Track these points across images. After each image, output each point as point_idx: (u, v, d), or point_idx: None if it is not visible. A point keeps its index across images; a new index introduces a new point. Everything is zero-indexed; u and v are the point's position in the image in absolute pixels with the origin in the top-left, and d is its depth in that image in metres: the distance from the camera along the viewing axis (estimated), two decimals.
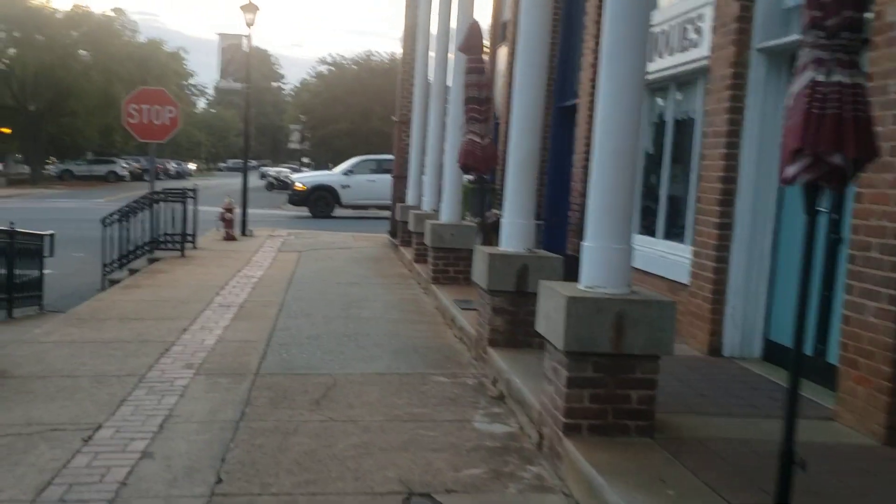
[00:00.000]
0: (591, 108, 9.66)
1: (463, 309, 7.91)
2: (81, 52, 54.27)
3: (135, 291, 9.78)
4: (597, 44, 9.61)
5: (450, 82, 11.01)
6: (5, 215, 27.84)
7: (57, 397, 5.30)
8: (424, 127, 13.83)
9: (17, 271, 9.98)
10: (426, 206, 11.94)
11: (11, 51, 53.23)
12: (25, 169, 56.29)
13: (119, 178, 56.41)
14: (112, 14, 55.04)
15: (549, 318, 4.36)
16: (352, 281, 11.11)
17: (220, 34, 18.42)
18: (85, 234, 12.78)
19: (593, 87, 9.58)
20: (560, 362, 4.28)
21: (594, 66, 9.57)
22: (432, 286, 9.66)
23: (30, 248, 10.46)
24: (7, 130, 56.25)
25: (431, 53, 12.91)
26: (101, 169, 60.62)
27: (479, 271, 6.37)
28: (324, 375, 6.07)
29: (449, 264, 9.69)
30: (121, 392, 5.46)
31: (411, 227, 11.86)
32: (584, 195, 9.55)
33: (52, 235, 11.36)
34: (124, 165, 56.48)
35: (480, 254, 6.38)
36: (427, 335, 7.71)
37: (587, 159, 9.62)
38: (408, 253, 12.84)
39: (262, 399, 5.41)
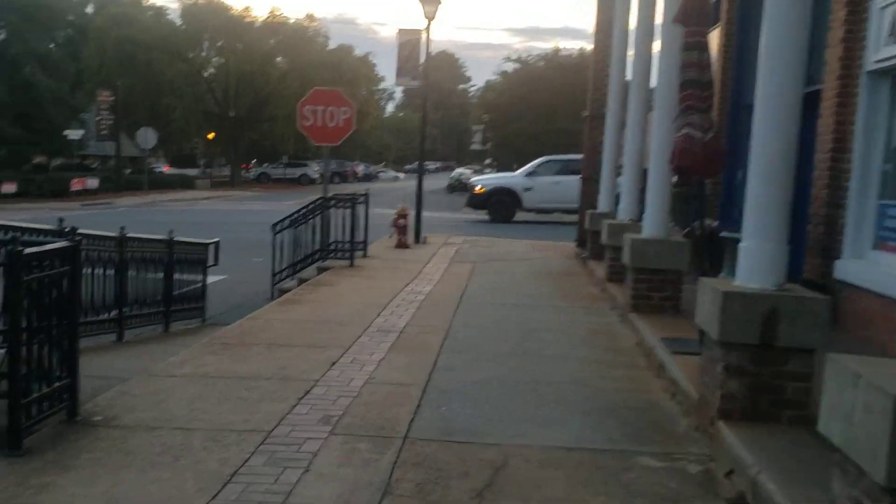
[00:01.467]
0: (843, 95, 7.55)
1: (674, 353, 6.20)
2: (278, 59, 56.94)
3: (292, 309, 8.88)
4: (850, 13, 7.51)
5: (654, 68, 9.24)
6: (202, 217, 29.27)
7: (157, 463, 4.25)
8: (621, 122, 12.08)
9: (177, 283, 9.45)
10: (623, 215, 10.23)
11: (216, 59, 56.86)
12: (228, 172, 59.91)
13: (311, 181, 58.66)
14: (306, 21, 57.25)
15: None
16: (531, 302, 9.63)
17: (399, 30, 17.61)
18: (266, 238, 12.29)
19: (845, 67, 7.48)
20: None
21: (847, 41, 7.46)
22: (630, 315, 7.98)
23: (192, 258, 9.93)
24: (211, 136, 60.27)
25: (631, 29, 11.17)
26: (294, 172, 63.49)
27: (707, 314, 4.67)
28: (491, 447, 4.64)
29: (653, 289, 7.95)
30: (235, 459, 4.32)
31: (604, 239, 10.20)
32: (831, 204, 7.47)
33: (216, 244, 10.84)
34: (316, 168, 58.61)
35: (709, 290, 4.67)
36: (626, 386, 6.06)
37: (835, 160, 7.52)
38: (598, 269, 11.18)
39: (406, 484, 4.07)
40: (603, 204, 12.62)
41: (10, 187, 34.83)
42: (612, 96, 12.54)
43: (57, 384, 4.71)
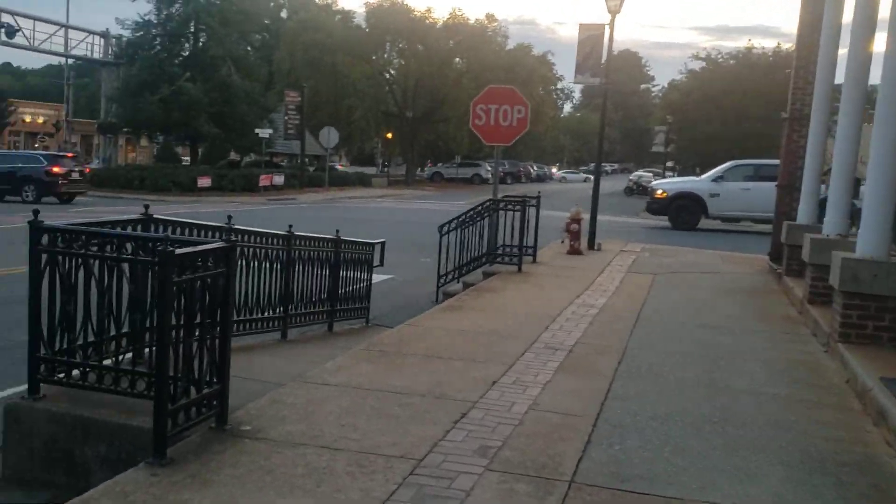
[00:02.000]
0: None
1: None
2: (456, 60, 57.64)
3: (454, 316, 8.51)
4: None
5: (874, 66, 8.03)
6: (375, 214, 29.94)
7: (298, 487, 3.93)
8: (827, 125, 10.78)
9: (342, 282, 9.36)
10: (829, 229, 9.02)
11: (397, 61, 58.42)
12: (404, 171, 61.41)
13: (483, 181, 58.97)
14: (485, 21, 57.49)
15: None
16: (719, 323, 8.68)
17: (580, 25, 16.90)
18: (435, 238, 12.12)
19: None
20: None
21: None
22: (839, 345, 6.89)
23: (358, 258, 9.82)
24: (390, 135, 62.07)
25: (845, 24, 9.87)
26: (467, 172, 64.12)
27: None
28: (672, 501, 3.95)
29: (868, 316, 6.82)
30: (379, 491, 3.93)
31: (806, 255, 9.04)
32: None
33: (382, 244, 10.71)
34: (488, 168, 58.79)
35: None
36: (837, 434, 5.12)
37: None
38: (797, 287, 9.97)
39: None
40: (804, 215, 11.32)
41: (205, 181, 37.40)
42: (819, 97, 11.20)
43: (206, 390, 4.54)
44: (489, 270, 12.30)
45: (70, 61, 50.82)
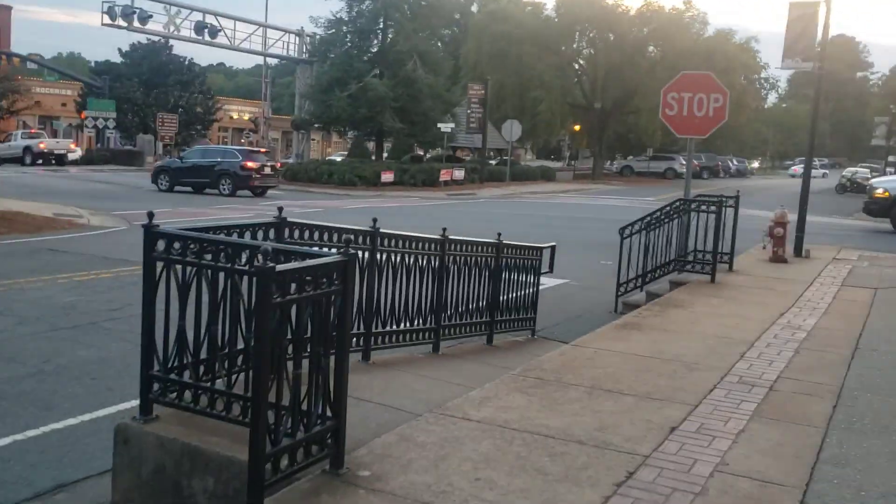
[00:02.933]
0: None
1: None
2: (649, 48, 55.13)
3: (630, 336, 7.44)
4: None
5: None
6: (556, 210, 28.95)
7: None
8: None
9: (504, 289, 8.55)
10: None
11: (587, 51, 56.83)
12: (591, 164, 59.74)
13: (676, 175, 56.10)
14: (681, 7, 54.48)
15: None
16: None
17: (790, 3, 14.97)
18: (619, 239, 11.10)
19: None
20: None
21: None
22: None
23: (523, 264, 8.97)
24: (577, 128, 60.60)
25: None
26: (659, 166, 61.35)
27: None
28: None
29: None
30: None
31: None
32: None
33: (552, 248, 9.78)
34: (683, 162, 55.76)
35: None
36: None
37: None
38: None
39: None
40: None
41: (388, 176, 38.05)
42: None
43: (318, 427, 3.89)
44: (677, 280, 11.04)
45: (270, 60, 53.80)
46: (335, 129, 46.79)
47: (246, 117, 72.28)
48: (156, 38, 51.90)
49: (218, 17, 41.39)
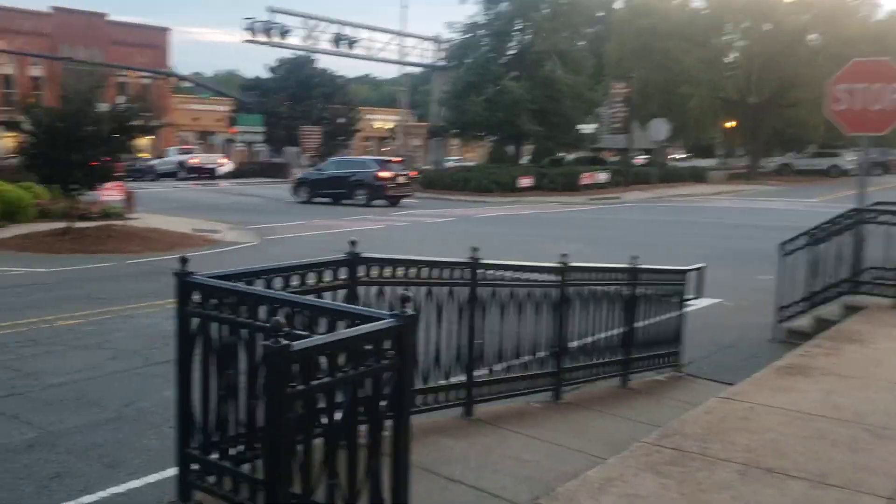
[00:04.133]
0: None
1: None
2: (810, 36, 51.01)
3: (796, 385, 6.05)
4: None
5: None
6: (703, 215, 26.78)
7: None
8: None
9: (641, 320, 7.35)
10: None
11: (740, 43, 53.39)
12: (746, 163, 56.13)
13: (842, 173, 51.60)
14: None
15: None
16: None
17: None
18: (777, 249, 9.63)
19: None
20: None
21: None
22: None
23: (665, 291, 7.72)
24: (730, 124, 57.08)
25: None
26: (822, 163, 56.78)
27: None
28: None
29: None
30: None
31: None
32: None
33: (699, 270, 8.41)
34: (849, 158, 51.17)
35: None
36: None
37: None
38: None
39: None
40: None
41: (526, 181, 36.98)
42: None
43: None
44: (852, 303, 9.37)
45: (413, 68, 54.12)
46: (472, 135, 46.25)
47: (388, 126, 73.39)
48: (300, 53, 53.44)
49: (355, 28, 41.92)
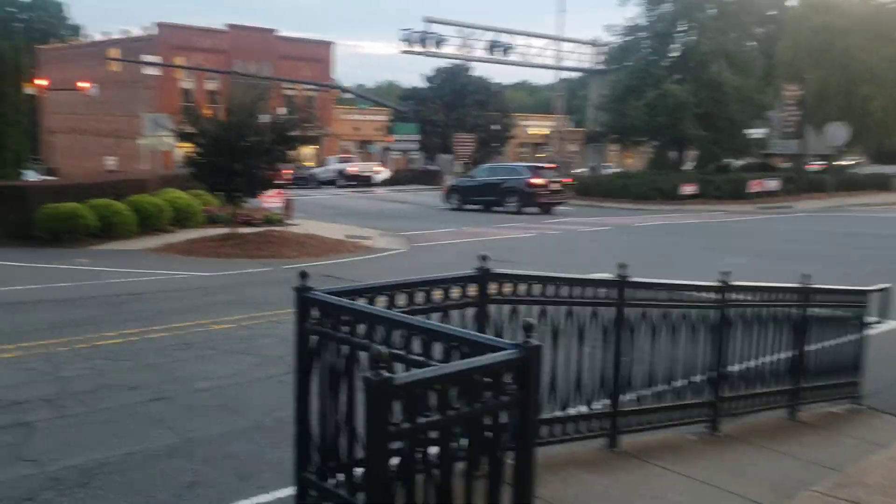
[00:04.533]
0: None
1: None
2: None
3: None
4: None
5: None
6: (880, 227, 24.24)
7: None
8: None
9: (813, 345, 6.59)
10: None
11: None
12: None
13: None
14: None
15: None
16: None
17: None
18: None
19: None
20: None
21: None
22: None
23: (840, 313, 6.89)
24: None
25: None
26: None
27: None
28: None
29: None
30: None
31: None
32: None
33: (884, 291, 7.46)
34: None
35: None
36: None
37: None
38: None
39: None
40: None
41: (689, 188, 35.40)
42: None
43: None
44: None
45: (570, 73, 53.42)
46: (631, 140, 44.91)
47: (544, 132, 72.83)
48: (455, 62, 54.08)
49: (510, 35, 41.80)
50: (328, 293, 3.48)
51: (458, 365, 2.51)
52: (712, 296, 5.64)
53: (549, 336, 4.62)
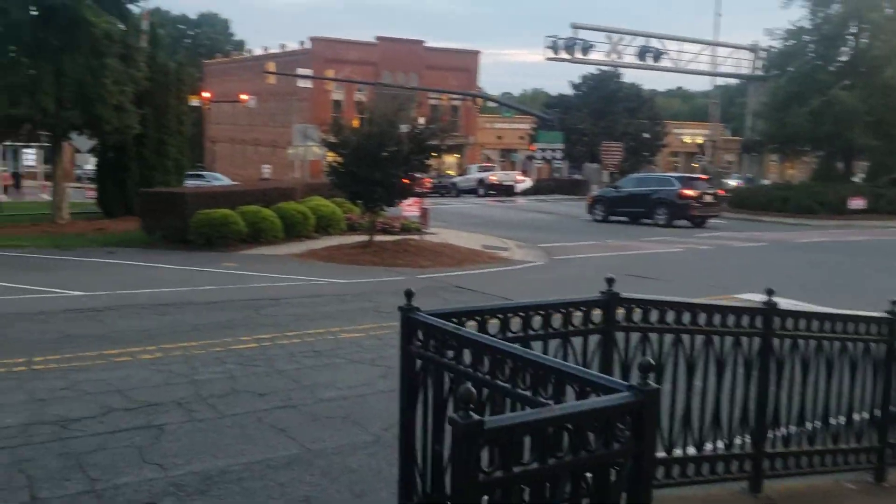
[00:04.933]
0: None
1: None
2: None
3: None
4: None
5: None
6: None
7: None
8: None
9: None
10: None
11: None
12: None
13: None
14: None
15: None
16: None
17: None
18: None
19: None
20: None
21: None
22: None
23: None
24: None
25: None
26: None
27: None
28: None
29: None
30: None
31: None
32: None
33: None
34: None
35: None
36: None
37: None
38: None
39: None
40: None
41: (857, 202, 32.97)
42: None
43: None
44: None
45: (727, 80, 51.25)
46: (793, 149, 42.35)
47: (698, 141, 70.27)
48: (604, 68, 53.11)
49: (662, 40, 40.51)
50: (436, 314, 3.29)
51: (559, 409, 2.24)
52: (878, 329, 5.03)
53: (683, 367, 4.23)
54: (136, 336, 9.33)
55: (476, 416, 2.02)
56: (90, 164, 30.58)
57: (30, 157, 52.66)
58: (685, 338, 4.14)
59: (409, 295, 3.35)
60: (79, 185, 38.85)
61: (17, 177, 45.31)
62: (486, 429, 2.03)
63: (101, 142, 23.63)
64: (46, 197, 25.45)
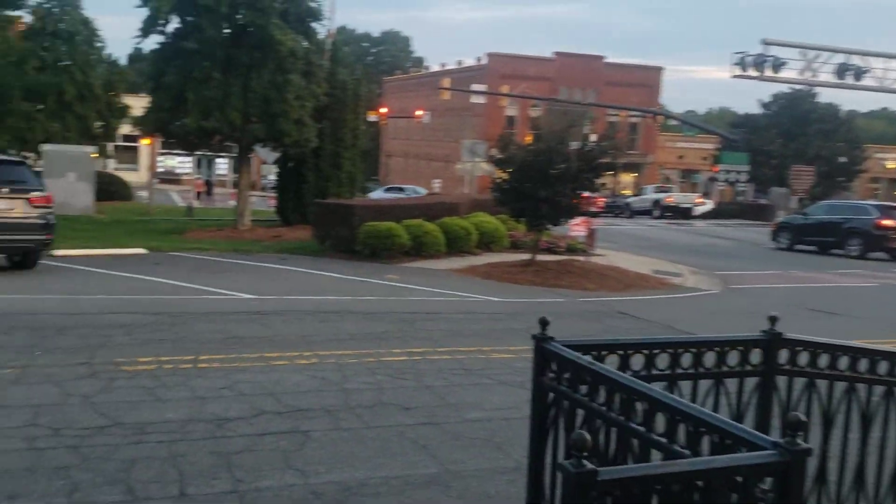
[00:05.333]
0: None
1: None
2: None
3: None
4: None
5: None
6: None
7: None
8: None
9: None
10: None
11: None
12: None
13: None
14: None
15: None
16: None
17: None
18: None
19: None
20: None
21: None
22: None
23: None
24: None
25: None
26: None
27: None
28: None
29: None
30: None
31: None
32: None
33: None
34: None
35: None
36: None
37: None
38: None
39: None
40: None
41: None
42: None
43: None
44: None
45: None
46: None
47: None
48: (797, 87, 50.15)
49: (864, 57, 37.59)
50: (572, 346, 3.12)
51: (687, 464, 2.02)
52: None
53: (856, 419, 3.80)
54: (296, 341, 9.71)
55: (589, 465, 1.85)
56: (273, 174, 32.51)
57: (222, 166, 56.89)
58: (860, 387, 3.70)
59: (543, 323, 3.20)
60: (263, 194, 41.45)
61: (209, 184, 48.94)
62: (599, 480, 1.85)
63: (282, 153, 25.04)
64: (234, 204, 27.28)
